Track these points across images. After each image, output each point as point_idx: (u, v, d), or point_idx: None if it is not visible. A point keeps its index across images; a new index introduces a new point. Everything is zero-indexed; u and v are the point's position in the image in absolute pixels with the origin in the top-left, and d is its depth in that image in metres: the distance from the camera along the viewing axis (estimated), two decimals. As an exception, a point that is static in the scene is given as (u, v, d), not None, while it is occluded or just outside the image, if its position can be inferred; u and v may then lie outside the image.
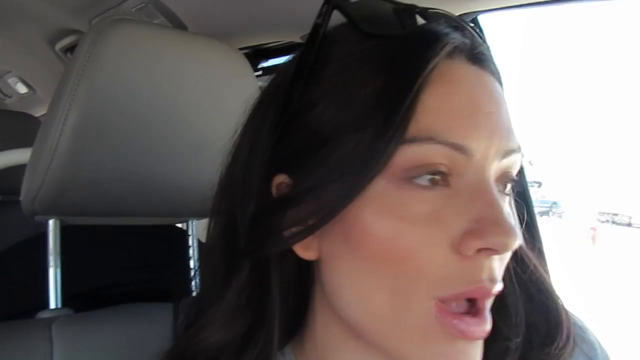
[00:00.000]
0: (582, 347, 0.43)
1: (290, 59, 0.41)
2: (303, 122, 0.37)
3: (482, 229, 0.33)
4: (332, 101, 0.36)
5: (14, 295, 0.72)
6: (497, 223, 0.33)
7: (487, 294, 0.34)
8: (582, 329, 0.45)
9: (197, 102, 0.67)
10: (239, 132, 0.42)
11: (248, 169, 0.39)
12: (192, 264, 0.82)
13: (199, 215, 0.80)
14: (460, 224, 0.33)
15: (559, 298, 0.43)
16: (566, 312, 0.43)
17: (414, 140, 0.33)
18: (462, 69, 0.36)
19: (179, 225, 0.90)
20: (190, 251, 0.82)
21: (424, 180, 0.34)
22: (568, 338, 0.41)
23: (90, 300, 0.74)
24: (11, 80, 1.83)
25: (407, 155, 0.33)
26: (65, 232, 0.71)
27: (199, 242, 0.84)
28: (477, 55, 0.37)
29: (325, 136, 0.35)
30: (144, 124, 0.64)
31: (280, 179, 0.38)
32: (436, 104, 0.34)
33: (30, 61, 1.57)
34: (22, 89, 1.84)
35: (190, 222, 0.82)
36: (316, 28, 0.37)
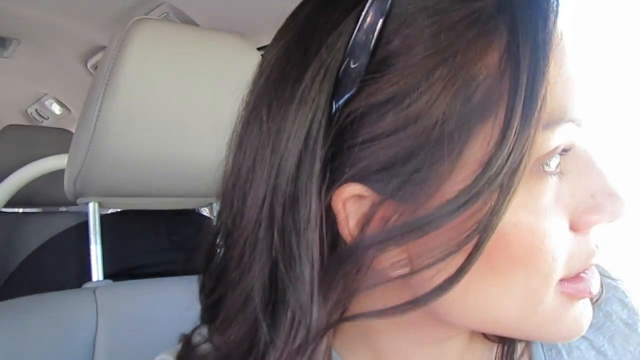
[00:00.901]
0: (621, 314, 0.41)
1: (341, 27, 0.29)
2: (390, 118, 0.28)
3: (602, 203, 0.30)
4: (438, 85, 0.27)
5: (63, 271, 0.80)
6: (613, 194, 0.30)
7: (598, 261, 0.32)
8: (624, 294, 0.42)
9: (216, 90, 0.74)
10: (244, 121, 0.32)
11: (296, 183, 0.29)
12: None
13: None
14: (576, 201, 0.30)
15: None
16: None
17: (547, 125, 0.28)
18: (559, 30, 0.29)
19: (204, 212, 0.99)
20: (216, 232, 0.89)
21: (551, 166, 0.29)
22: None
23: (127, 278, 0.83)
24: (47, 102, 1.96)
25: (540, 142, 0.28)
26: (106, 221, 0.80)
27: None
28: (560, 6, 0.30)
29: (438, 132, 0.27)
30: (168, 112, 0.72)
31: (352, 190, 0.29)
32: (554, 75, 0.28)
33: (65, 81, 1.69)
34: (57, 109, 1.96)
35: (214, 205, 0.89)
36: None
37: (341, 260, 0.29)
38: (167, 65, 0.70)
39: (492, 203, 0.26)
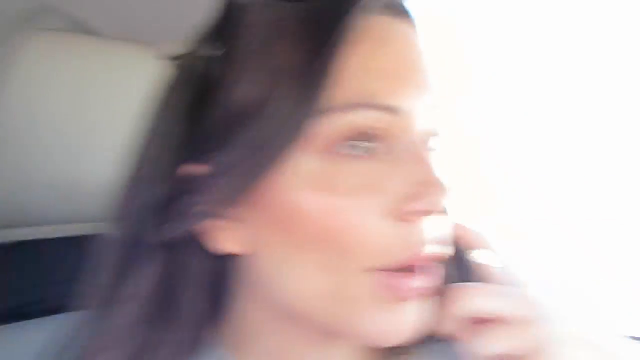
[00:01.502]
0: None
1: (201, 35, 0.38)
2: (220, 104, 0.35)
3: (420, 192, 0.32)
4: (251, 77, 0.33)
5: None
6: (432, 183, 0.32)
7: (426, 258, 0.33)
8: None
9: (115, 106, 0.68)
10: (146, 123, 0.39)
11: (156, 162, 0.36)
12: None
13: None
14: (398, 189, 0.32)
15: None
16: None
17: (342, 108, 0.31)
18: (381, 22, 0.34)
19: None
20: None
21: (355, 149, 0.32)
22: None
23: (16, 317, 0.73)
24: None
25: (333, 125, 0.31)
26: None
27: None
28: (391, 3, 0.35)
29: (244, 115, 0.33)
30: (64, 131, 0.65)
31: (198, 169, 0.35)
32: (361, 64, 0.32)
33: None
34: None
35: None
36: None
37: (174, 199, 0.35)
38: (63, 82, 0.63)
39: (252, 165, 0.32)
